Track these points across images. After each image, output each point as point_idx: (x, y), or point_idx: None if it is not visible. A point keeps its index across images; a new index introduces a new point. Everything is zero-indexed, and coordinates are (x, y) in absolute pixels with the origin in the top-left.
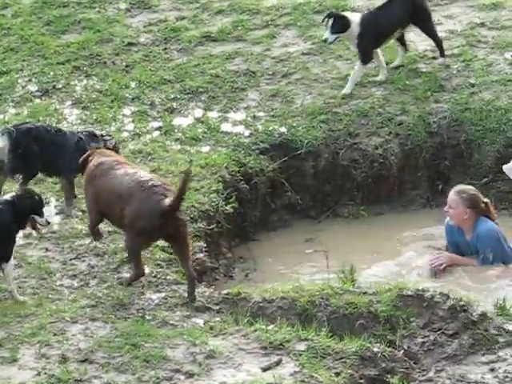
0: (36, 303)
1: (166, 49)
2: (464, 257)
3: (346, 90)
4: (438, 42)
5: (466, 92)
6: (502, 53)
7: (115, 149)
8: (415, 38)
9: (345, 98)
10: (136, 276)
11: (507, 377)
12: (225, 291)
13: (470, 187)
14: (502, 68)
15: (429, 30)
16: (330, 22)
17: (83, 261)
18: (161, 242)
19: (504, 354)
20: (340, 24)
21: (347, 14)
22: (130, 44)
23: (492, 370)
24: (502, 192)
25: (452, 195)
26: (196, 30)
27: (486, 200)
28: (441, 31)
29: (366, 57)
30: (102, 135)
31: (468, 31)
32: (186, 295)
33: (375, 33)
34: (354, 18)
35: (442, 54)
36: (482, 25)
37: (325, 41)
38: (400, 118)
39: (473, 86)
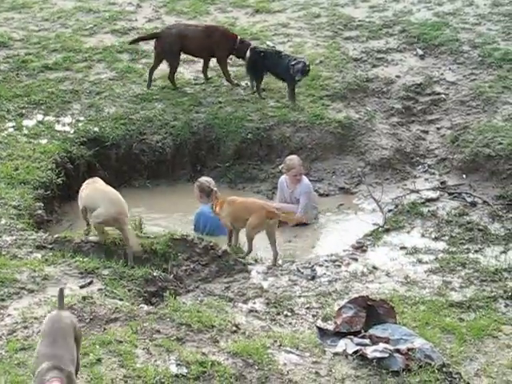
0: None
1: (17, 74)
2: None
3: None
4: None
5: (216, 107)
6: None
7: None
8: (183, 70)
9: (138, 111)
10: None
11: (240, 292)
12: (56, 235)
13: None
14: (239, 92)
15: None
16: None
17: None
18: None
19: (238, 277)
20: None
21: None
22: None
23: (228, 287)
24: (238, 172)
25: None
26: (38, 62)
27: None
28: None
29: None
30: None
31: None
32: (30, 238)
33: None
34: None
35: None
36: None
37: None
38: (173, 123)
39: (220, 103)
